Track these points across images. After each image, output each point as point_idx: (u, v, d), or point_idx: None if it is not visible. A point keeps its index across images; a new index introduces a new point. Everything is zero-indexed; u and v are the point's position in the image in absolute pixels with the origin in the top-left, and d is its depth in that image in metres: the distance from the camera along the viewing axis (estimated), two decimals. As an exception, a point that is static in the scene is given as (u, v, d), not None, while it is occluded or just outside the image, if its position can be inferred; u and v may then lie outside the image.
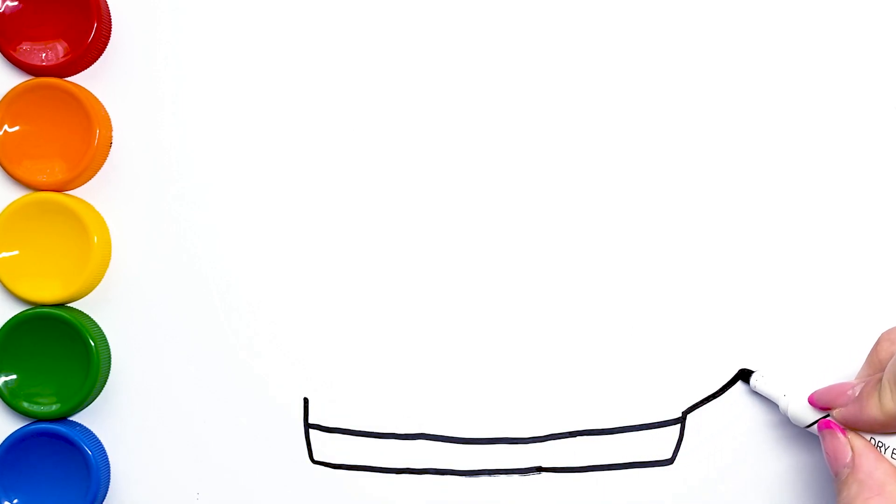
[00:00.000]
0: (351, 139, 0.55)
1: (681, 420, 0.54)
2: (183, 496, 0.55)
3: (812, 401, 0.49)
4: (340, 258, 0.55)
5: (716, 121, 0.53)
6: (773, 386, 0.52)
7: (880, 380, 0.46)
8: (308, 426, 0.55)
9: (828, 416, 0.48)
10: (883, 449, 0.46)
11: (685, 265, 0.53)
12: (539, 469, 0.54)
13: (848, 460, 0.46)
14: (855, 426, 0.47)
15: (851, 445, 0.46)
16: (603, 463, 0.54)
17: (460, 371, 0.54)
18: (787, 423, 0.53)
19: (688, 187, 0.54)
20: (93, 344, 0.54)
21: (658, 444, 0.54)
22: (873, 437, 0.46)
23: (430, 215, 0.54)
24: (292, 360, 0.55)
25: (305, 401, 0.55)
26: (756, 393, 0.52)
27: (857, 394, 0.47)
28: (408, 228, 0.54)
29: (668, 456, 0.54)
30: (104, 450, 0.55)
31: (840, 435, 0.47)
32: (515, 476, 0.54)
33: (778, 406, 0.51)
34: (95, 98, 0.55)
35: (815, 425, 0.49)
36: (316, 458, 0.55)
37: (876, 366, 0.48)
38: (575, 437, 0.54)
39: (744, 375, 0.53)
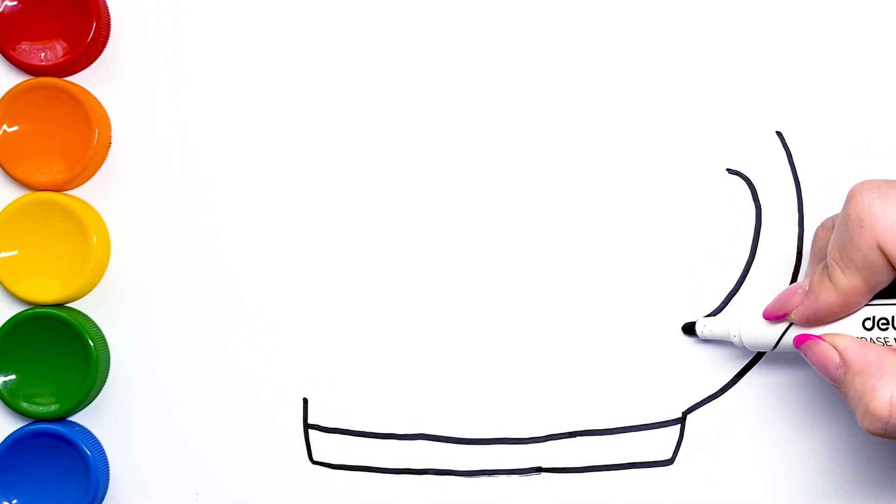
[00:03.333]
0: (351, 139, 0.55)
1: (681, 420, 0.53)
2: (182, 496, 0.55)
3: (767, 314, 0.48)
4: (340, 258, 0.54)
5: (714, 121, 0.53)
6: (720, 325, 0.51)
7: (826, 265, 0.45)
8: (307, 426, 0.55)
9: (790, 325, 0.47)
10: (867, 339, 0.45)
11: (685, 265, 0.53)
12: (539, 469, 0.54)
13: (837, 361, 0.45)
14: (817, 319, 0.46)
15: (833, 345, 0.45)
16: (603, 463, 0.54)
17: (460, 371, 0.54)
18: (787, 423, 0.53)
19: (687, 187, 0.53)
20: (92, 344, 0.54)
21: (658, 444, 0.54)
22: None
23: (429, 216, 0.54)
24: (292, 360, 0.55)
25: (305, 401, 0.55)
26: (750, 397, 0.52)
27: (806, 288, 0.46)
28: (407, 229, 0.54)
29: (668, 456, 0.54)
30: (103, 450, 0.55)
31: (819, 341, 0.46)
32: (515, 476, 0.54)
33: (733, 344, 0.50)
34: (94, 98, 0.55)
35: (790, 345, 0.47)
36: (315, 458, 0.55)
37: (817, 259, 0.47)
38: (575, 437, 0.54)
39: (689, 329, 0.53)
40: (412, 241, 0.54)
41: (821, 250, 0.47)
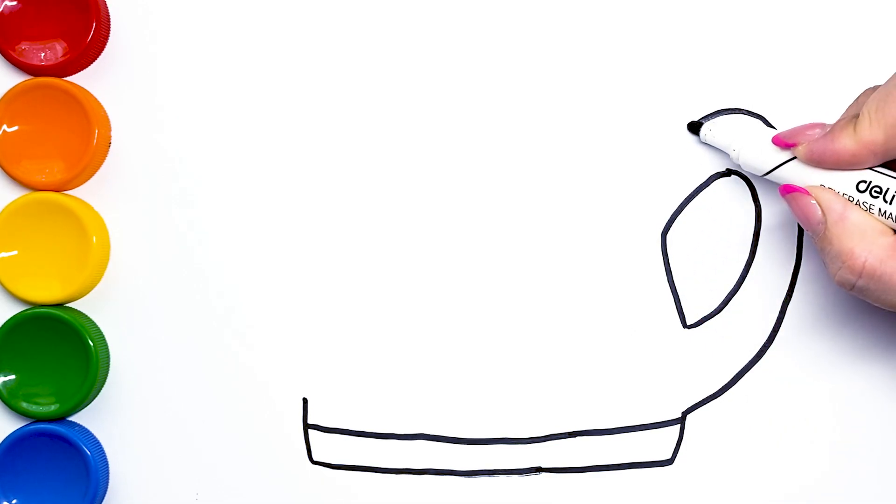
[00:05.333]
0: (351, 139, 0.55)
1: (681, 420, 0.53)
2: (182, 496, 0.55)
3: (777, 139, 0.48)
4: (340, 258, 0.54)
5: (714, 121, 0.53)
6: (724, 136, 0.51)
7: (857, 115, 0.45)
8: (307, 426, 0.55)
9: (791, 159, 0.47)
10: (854, 201, 0.46)
11: (685, 265, 0.53)
12: (539, 469, 0.54)
13: (820, 216, 0.46)
14: (821, 160, 0.46)
15: (818, 201, 0.46)
16: (603, 463, 0.54)
17: (460, 371, 0.54)
18: (787, 423, 0.53)
19: (687, 187, 0.53)
20: (91, 344, 0.54)
21: (658, 444, 0.54)
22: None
23: (429, 216, 0.54)
24: (292, 360, 0.55)
25: (305, 401, 0.55)
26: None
27: (828, 129, 0.46)
28: (407, 229, 0.54)
29: (668, 456, 0.54)
30: (103, 450, 0.55)
31: (804, 195, 0.47)
32: (515, 476, 0.54)
33: (730, 157, 0.50)
34: (94, 98, 0.55)
35: (779, 179, 0.48)
36: (315, 458, 0.55)
37: (850, 116, 0.47)
38: (575, 437, 0.54)
39: (693, 128, 0.52)
40: (412, 242, 0.54)
41: (858, 106, 0.47)
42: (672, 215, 0.54)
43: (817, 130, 0.47)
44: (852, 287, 0.45)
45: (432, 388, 0.54)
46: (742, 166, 0.50)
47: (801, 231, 0.53)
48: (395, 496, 0.54)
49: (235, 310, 0.55)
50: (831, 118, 0.53)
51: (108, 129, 0.55)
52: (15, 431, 0.54)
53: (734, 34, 0.53)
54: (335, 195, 0.55)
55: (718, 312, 0.53)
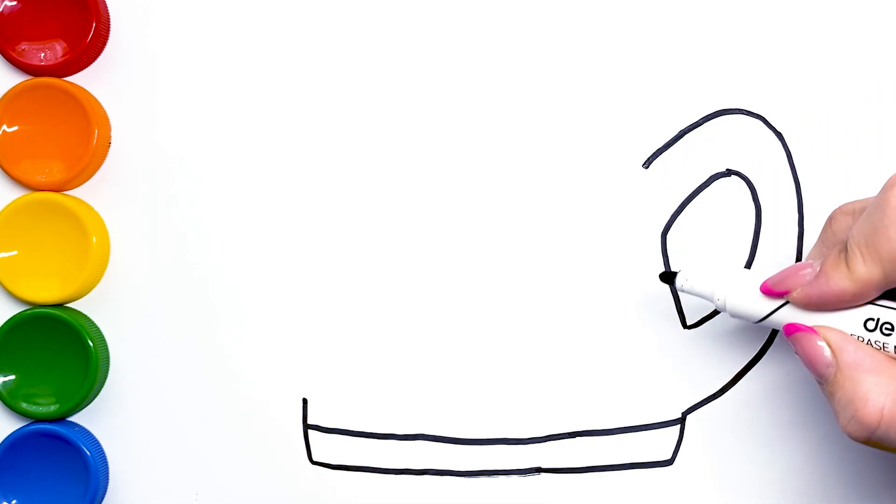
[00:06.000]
0: (351, 139, 0.55)
1: (681, 420, 0.53)
2: (181, 496, 0.55)
3: (765, 287, 0.45)
4: (340, 258, 0.54)
5: (714, 121, 0.53)
6: (705, 284, 0.47)
7: (844, 249, 0.42)
8: (307, 427, 0.55)
9: (784, 304, 0.44)
10: (864, 340, 0.43)
11: (685, 266, 0.53)
12: (538, 470, 0.54)
13: (829, 358, 0.42)
14: (822, 304, 0.43)
15: (827, 341, 0.43)
16: (603, 463, 0.54)
17: (459, 371, 0.54)
18: (787, 423, 0.53)
19: (687, 187, 0.53)
20: (91, 344, 0.54)
21: (658, 444, 0.53)
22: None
23: (429, 216, 0.54)
24: (291, 360, 0.55)
25: (304, 401, 0.55)
26: (745, 385, 0.52)
27: (818, 269, 0.43)
28: (407, 230, 0.54)
29: (668, 456, 0.53)
30: (103, 450, 0.55)
31: (812, 335, 0.43)
32: (515, 477, 0.54)
33: (713, 304, 0.47)
34: (94, 98, 0.55)
35: (775, 323, 0.45)
36: (315, 458, 0.55)
37: (831, 243, 0.45)
38: (575, 437, 0.54)
39: (668, 279, 0.49)
40: (411, 242, 0.54)
41: (836, 234, 0.45)
42: (672, 215, 0.54)
43: (807, 271, 0.44)
44: (868, 437, 0.41)
45: (432, 389, 0.54)
46: (730, 314, 0.47)
47: (801, 231, 0.53)
48: (394, 496, 0.54)
49: (235, 310, 0.55)
50: (831, 118, 0.53)
51: (108, 129, 0.55)
52: (15, 431, 0.54)
53: (734, 34, 0.53)
54: (335, 196, 0.55)
55: (718, 312, 0.53)
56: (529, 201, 0.54)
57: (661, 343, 0.53)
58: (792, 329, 0.44)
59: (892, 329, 0.42)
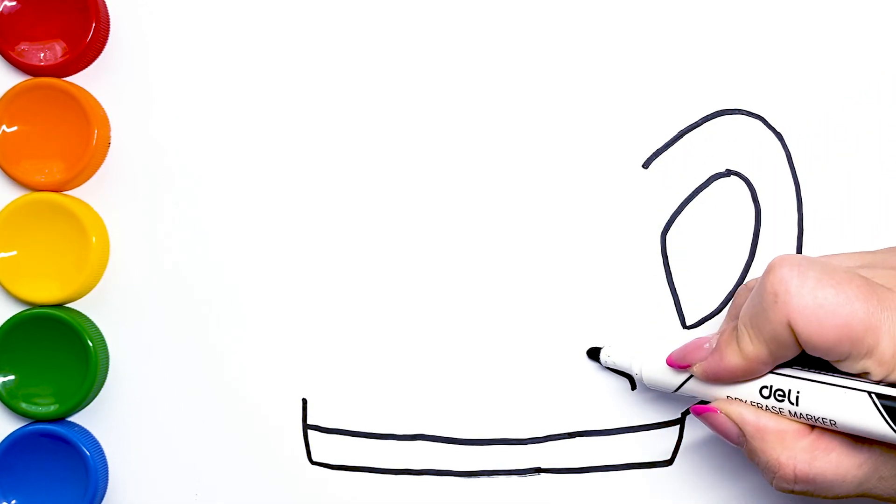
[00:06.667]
0: (350, 143, 0.55)
1: (680, 420, 0.53)
2: (181, 496, 0.55)
3: (670, 361, 0.48)
4: (340, 259, 0.54)
5: (714, 121, 0.53)
6: (623, 358, 0.51)
7: (736, 327, 0.45)
8: (306, 427, 0.54)
9: (690, 377, 0.47)
10: (762, 406, 0.45)
11: (685, 266, 0.53)
12: (538, 470, 0.54)
13: (736, 430, 0.46)
14: (717, 378, 0.46)
15: (730, 416, 0.46)
16: (602, 464, 0.54)
17: (459, 372, 0.54)
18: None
19: (687, 187, 0.53)
20: (91, 344, 0.54)
21: (658, 444, 0.53)
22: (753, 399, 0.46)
23: (428, 216, 0.54)
24: (291, 360, 0.55)
25: (304, 401, 0.55)
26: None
27: (713, 345, 0.46)
28: (406, 229, 0.54)
29: (668, 456, 0.53)
30: (102, 450, 0.55)
31: (715, 414, 0.46)
32: (514, 477, 0.54)
33: (633, 377, 0.51)
34: (94, 98, 0.55)
35: (690, 391, 0.48)
36: (314, 458, 0.55)
37: (733, 316, 0.47)
38: (574, 437, 0.54)
39: (593, 354, 0.53)
40: (411, 242, 0.54)
41: (737, 308, 0.47)
42: (672, 215, 0.54)
43: (706, 346, 0.47)
44: (791, 492, 0.45)
45: (431, 389, 0.54)
46: (648, 386, 0.50)
47: (801, 231, 0.53)
48: (394, 497, 0.54)
49: (235, 310, 0.55)
50: (831, 118, 0.53)
51: (108, 129, 0.55)
52: (14, 432, 0.54)
53: (734, 34, 0.53)
54: (335, 197, 0.55)
55: (718, 312, 0.53)
56: (529, 202, 0.54)
57: (661, 343, 0.53)
58: (698, 410, 0.47)
59: (784, 395, 0.45)
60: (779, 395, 0.45)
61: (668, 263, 0.53)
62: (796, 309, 0.42)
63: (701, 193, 0.53)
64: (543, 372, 0.54)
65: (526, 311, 0.54)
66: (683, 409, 0.53)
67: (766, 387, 0.45)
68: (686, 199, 0.53)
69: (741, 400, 0.46)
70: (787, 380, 0.45)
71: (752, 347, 0.44)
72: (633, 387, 0.53)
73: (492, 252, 0.54)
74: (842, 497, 0.44)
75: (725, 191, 0.53)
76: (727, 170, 0.53)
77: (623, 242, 0.54)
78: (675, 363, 0.48)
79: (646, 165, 0.54)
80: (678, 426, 0.53)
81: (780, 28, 0.53)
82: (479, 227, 0.54)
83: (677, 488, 0.53)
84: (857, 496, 0.44)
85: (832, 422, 0.44)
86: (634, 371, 0.50)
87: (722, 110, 0.53)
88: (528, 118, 0.54)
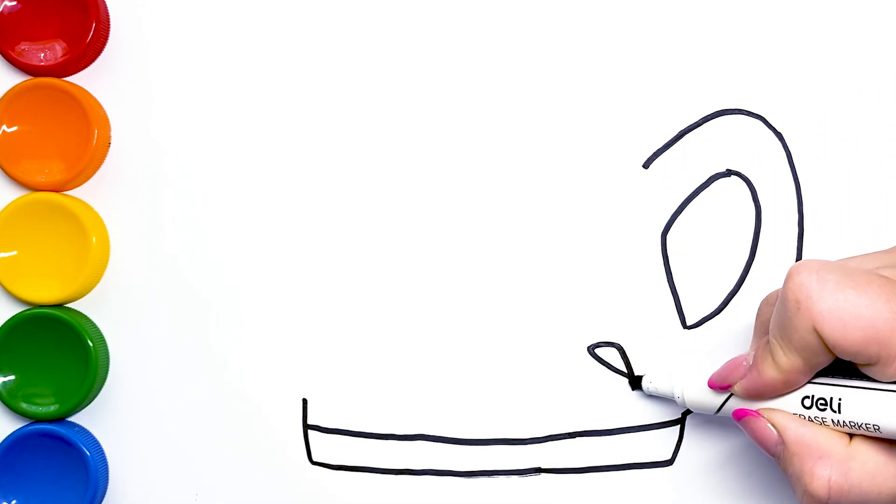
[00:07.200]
0: (351, 139, 0.55)
1: (681, 420, 0.53)
2: (181, 497, 0.55)
3: (711, 383, 0.48)
4: (340, 259, 0.54)
5: (714, 121, 0.53)
6: (665, 384, 0.51)
7: (769, 341, 0.45)
8: (307, 427, 0.54)
9: (731, 395, 0.47)
10: (806, 417, 0.45)
11: (685, 265, 0.53)
12: (538, 470, 0.54)
13: (776, 438, 0.45)
14: (759, 395, 0.46)
15: (772, 423, 0.46)
16: (603, 464, 0.54)
17: (459, 372, 0.54)
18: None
19: (687, 187, 0.53)
20: (91, 344, 0.54)
21: (658, 444, 0.53)
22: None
23: (428, 216, 0.54)
24: (291, 360, 0.55)
25: (304, 401, 0.55)
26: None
27: (750, 362, 0.46)
28: (406, 228, 0.54)
29: (668, 457, 0.53)
30: (102, 450, 0.55)
31: (757, 418, 0.46)
32: (515, 477, 0.54)
33: (632, 378, 0.52)
34: (94, 98, 0.55)
35: (730, 413, 0.48)
36: (315, 458, 0.55)
37: (762, 332, 0.47)
38: (574, 437, 0.54)
39: (635, 383, 0.53)
40: (411, 242, 0.54)
41: (763, 324, 0.47)
42: (672, 215, 0.54)
43: (742, 366, 0.47)
44: None
45: (431, 389, 0.54)
46: (691, 409, 0.50)
47: (801, 231, 0.53)
48: (394, 497, 0.54)
49: (235, 310, 0.55)
50: (831, 118, 0.53)
51: (108, 129, 0.55)
52: (15, 432, 0.54)
53: (734, 34, 0.53)
54: (335, 197, 0.55)
55: (718, 312, 0.53)
56: (530, 202, 0.54)
57: (662, 343, 0.53)
58: (740, 414, 0.47)
59: (826, 404, 0.45)
60: (821, 405, 0.45)
61: (668, 263, 0.53)
62: (819, 313, 0.42)
63: (701, 193, 0.53)
64: (543, 372, 0.54)
65: (526, 311, 0.54)
66: (683, 410, 0.53)
67: (808, 397, 0.45)
68: (686, 199, 0.53)
69: (786, 411, 0.46)
70: (827, 388, 0.45)
71: (785, 359, 0.44)
72: (633, 387, 0.53)
73: (492, 252, 0.54)
74: None
75: (725, 191, 0.53)
76: (727, 170, 0.53)
77: (623, 242, 0.54)
78: (717, 385, 0.48)
79: (646, 165, 0.54)
80: (678, 426, 0.53)
81: (780, 28, 0.53)
82: (480, 228, 0.54)
83: (677, 488, 0.53)
84: None
85: (876, 427, 0.43)
86: (676, 396, 0.50)
87: (722, 110, 0.53)
88: (528, 118, 0.54)
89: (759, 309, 0.48)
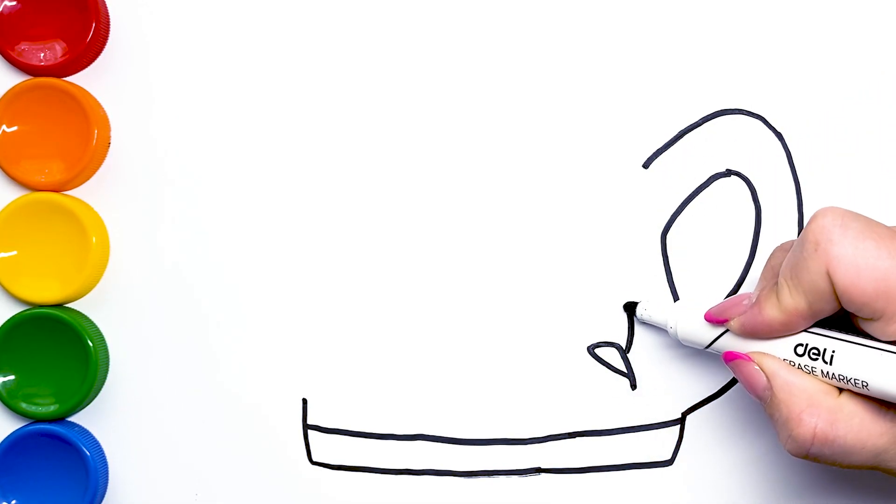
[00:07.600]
0: (351, 139, 0.55)
1: (681, 420, 0.53)
2: (181, 497, 0.55)
3: (708, 316, 0.48)
4: (340, 259, 0.54)
5: (714, 121, 0.53)
6: (660, 313, 0.51)
7: (777, 283, 0.45)
8: (307, 427, 0.55)
9: (725, 331, 0.47)
10: (795, 365, 0.45)
11: (685, 265, 0.53)
12: (538, 470, 0.54)
13: (765, 382, 0.45)
14: (755, 333, 0.46)
15: (762, 368, 0.46)
16: (602, 464, 0.54)
17: (459, 372, 0.54)
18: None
19: (687, 187, 0.53)
20: (91, 344, 0.54)
21: (658, 444, 0.53)
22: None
23: (428, 216, 0.54)
24: (291, 360, 0.55)
25: (304, 401, 0.55)
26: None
27: (753, 300, 0.46)
28: (406, 229, 0.54)
29: (668, 457, 0.53)
30: (102, 450, 0.55)
31: (747, 362, 0.46)
32: (515, 477, 0.54)
33: (668, 333, 0.51)
34: (94, 98, 0.55)
35: (720, 352, 0.48)
36: (314, 458, 0.55)
37: (770, 276, 0.47)
38: (574, 437, 0.54)
39: (629, 308, 0.53)
40: (411, 242, 0.54)
41: (773, 269, 0.47)
42: (672, 215, 0.54)
43: (745, 302, 0.47)
44: (805, 454, 0.44)
45: (431, 389, 0.54)
46: (681, 341, 0.50)
47: (800, 231, 0.53)
48: (394, 497, 0.54)
49: (235, 310, 0.55)
50: (831, 118, 0.53)
51: (108, 129, 0.55)
52: (14, 432, 0.54)
53: (734, 34, 0.53)
54: (335, 198, 0.55)
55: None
56: (529, 202, 0.54)
57: (661, 343, 0.53)
58: (730, 357, 0.47)
59: (819, 353, 0.45)
60: (813, 354, 0.45)
61: (668, 263, 0.53)
62: (836, 257, 0.42)
63: (701, 193, 0.53)
64: (543, 372, 0.54)
65: (526, 311, 0.54)
66: (684, 410, 0.53)
67: (802, 345, 0.45)
68: (686, 199, 0.54)
69: (776, 357, 0.46)
70: (822, 339, 0.45)
71: (791, 300, 0.44)
72: (634, 387, 0.53)
73: (492, 252, 0.54)
74: (854, 467, 0.44)
75: (725, 191, 0.53)
76: (727, 170, 0.53)
77: (623, 242, 0.54)
78: (714, 318, 0.48)
79: (646, 165, 0.54)
80: (678, 426, 0.53)
81: (780, 28, 0.53)
82: (480, 228, 0.54)
83: (677, 488, 0.53)
84: (870, 468, 0.44)
85: (864, 383, 0.43)
86: (669, 325, 0.50)
87: (722, 110, 0.53)
88: (528, 118, 0.54)
89: (773, 253, 0.48)
